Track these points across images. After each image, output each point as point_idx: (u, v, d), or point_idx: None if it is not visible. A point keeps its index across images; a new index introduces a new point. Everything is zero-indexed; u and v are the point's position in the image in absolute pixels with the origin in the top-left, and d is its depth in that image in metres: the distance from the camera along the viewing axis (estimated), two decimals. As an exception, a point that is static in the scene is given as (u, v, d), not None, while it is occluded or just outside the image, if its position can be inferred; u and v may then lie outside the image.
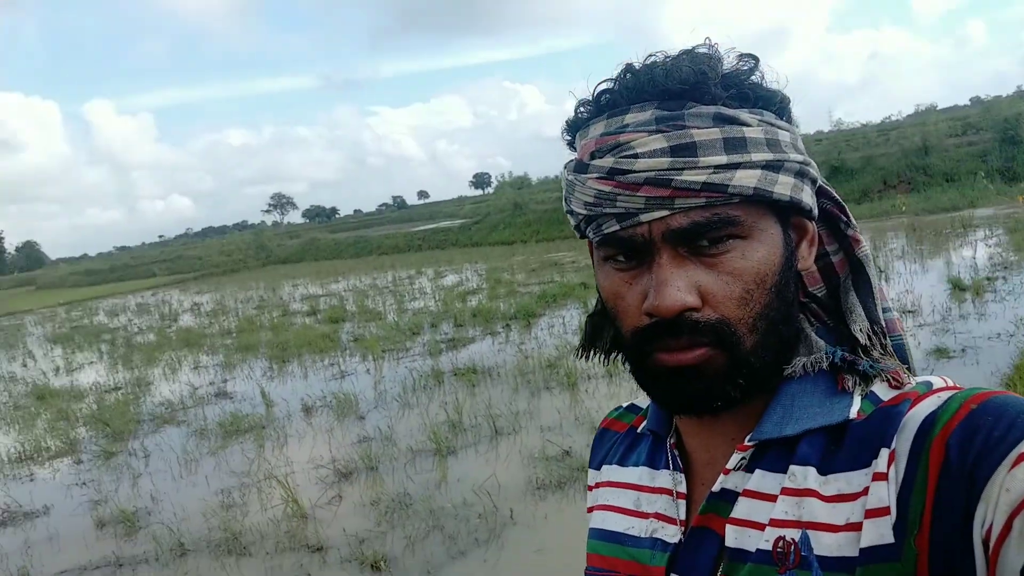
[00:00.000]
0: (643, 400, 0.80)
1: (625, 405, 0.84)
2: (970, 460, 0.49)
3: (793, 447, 0.60)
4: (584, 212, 0.61)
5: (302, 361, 10.49)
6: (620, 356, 0.71)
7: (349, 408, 7.50)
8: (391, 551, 4.35)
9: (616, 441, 0.80)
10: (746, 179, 0.57)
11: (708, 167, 0.56)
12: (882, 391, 0.60)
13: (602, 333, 0.74)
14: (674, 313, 0.57)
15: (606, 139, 0.59)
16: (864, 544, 0.53)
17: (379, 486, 5.37)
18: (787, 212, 0.62)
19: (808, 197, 0.63)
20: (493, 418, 6.40)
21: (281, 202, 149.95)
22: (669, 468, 0.69)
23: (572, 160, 0.64)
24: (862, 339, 0.64)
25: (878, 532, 0.52)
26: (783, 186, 0.59)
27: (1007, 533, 0.46)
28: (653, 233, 0.58)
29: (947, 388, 0.58)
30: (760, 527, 0.58)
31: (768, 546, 0.57)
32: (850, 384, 0.61)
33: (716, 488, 0.62)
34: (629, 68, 0.61)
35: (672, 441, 0.70)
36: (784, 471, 0.59)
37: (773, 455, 0.61)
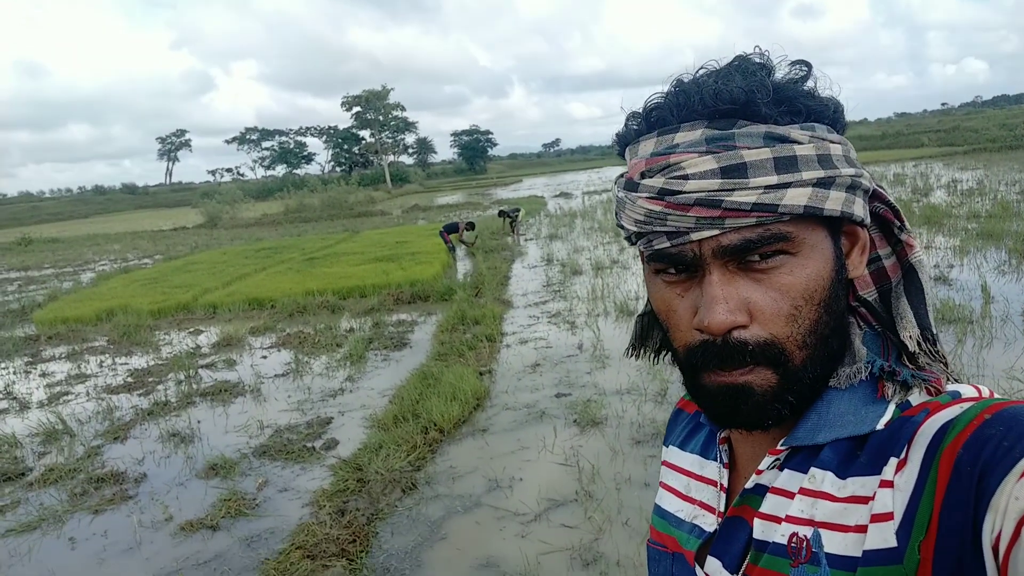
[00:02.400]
0: None
1: None
2: (979, 469, 0.50)
3: (818, 450, 0.62)
4: (634, 229, 0.63)
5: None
6: (669, 356, 0.72)
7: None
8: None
9: (684, 423, 0.83)
10: (797, 197, 0.57)
11: (759, 187, 0.56)
12: (916, 399, 0.60)
13: (651, 333, 0.78)
14: (723, 331, 0.58)
15: (656, 159, 0.59)
16: (868, 547, 0.55)
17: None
18: (838, 223, 0.62)
19: (860, 208, 0.62)
20: None
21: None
22: (717, 461, 0.73)
23: (622, 176, 0.65)
24: (911, 345, 0.63)
25: (882, 536, 0.54)
26: (834, 201, 0.59)
27: (1016, 540, 0.46)
28: (703, 250, 0.59)
29: (972, 399, 0.57)
30: (779, 521, 0.62)
31: (783, 540, 0.61)
32: (889, 392, 0.61)
33: (749, 485, 0.66)
34: (680, 83, 0.61)
35: (723, 435, 0.73)
36: (806, 472, 0.62)
37: (801, 457, 0.63)
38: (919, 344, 0.64)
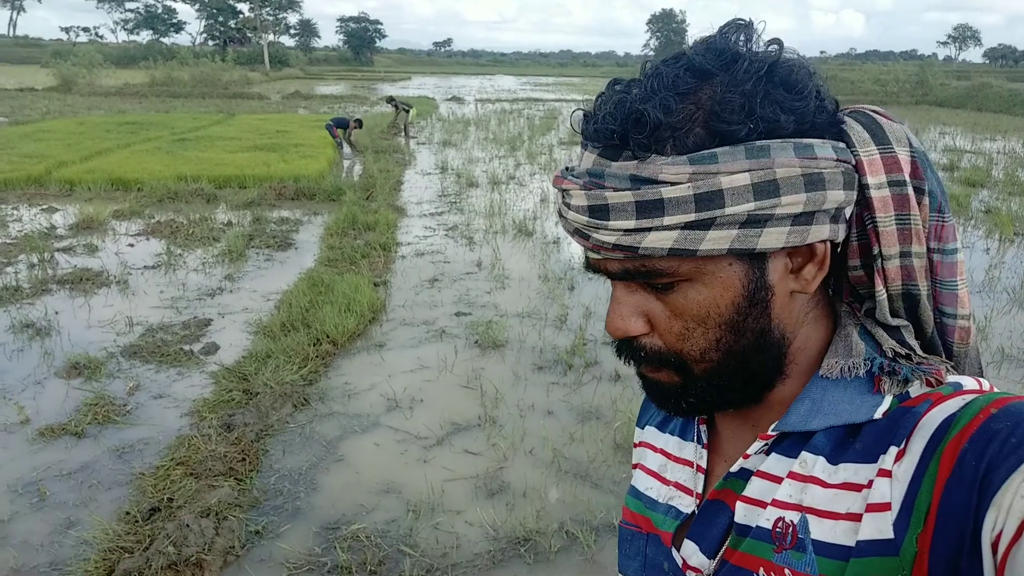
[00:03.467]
0: None
1: None
2: (984, 465, 0.48)
3: (809, 436, 0.61)
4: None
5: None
6: None
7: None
8: None
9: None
10: (659, 241, 0.56)
11: (617, 230, 0.57)
12: (915, 389, 0.59)
13: None
14: (618, 337, 0.63)
15: (560, 180, 0.62)
16: (862, 537, 0.54)
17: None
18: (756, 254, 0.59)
19: (780, 239, 0.57)
20: None
21: (963, 35, 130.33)
22: (695, 442, 0.72)
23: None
24: (917, 347, 0.62)
25: (876, 526, 0.53)
26: (716, 241, 0.56)
27: (1017, 539, 0.45)
28: (604, 267, 0.62)
29: (975, 391, 0.56)
30: (764, 505, 0.61)
31: (768, 524, 0.60)
32: (886, 387, 0.59)
33: (735, 469, 0.65)
34: (601, 98, 0.61)
35: (703, 417, 0.72)
36: (796, 456, 0.61)
37: (790, 442, 0.62)
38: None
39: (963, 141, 19.63)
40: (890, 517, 0.53)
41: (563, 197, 0.61)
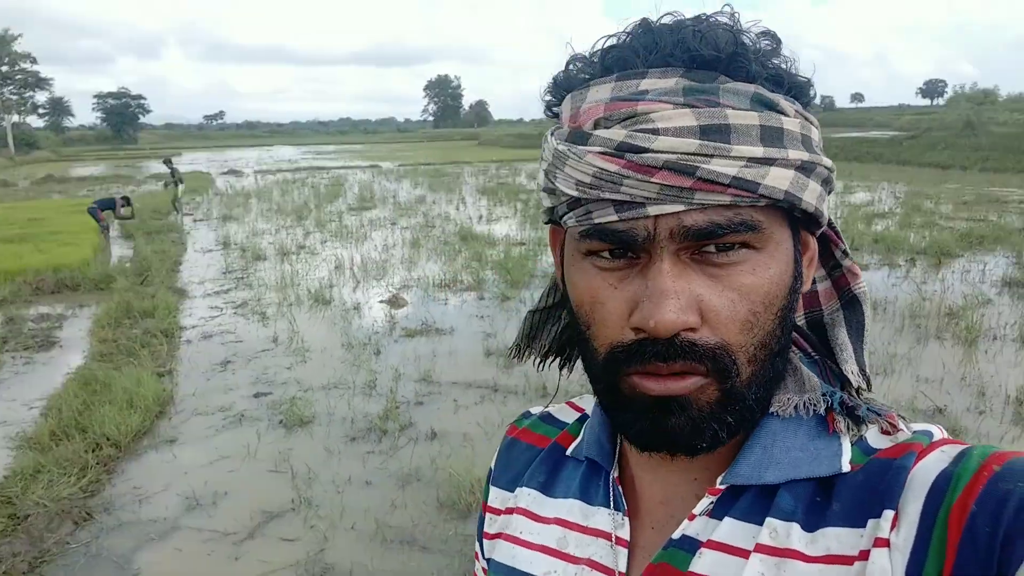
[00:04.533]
0: (564, 412, 0.70)
1: (537, 412, 0.71)
2: (1000, 534, 0.42)
3: (771, 495, 0.51)
4: (574, 193, 0.50)
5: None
6: (560, 361, 0.67)
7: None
8: None
9: (536, 459, 0.67)
10: (779, 180, 0.47)
11: (741, 158, 0.46)
12: (874, 438, 0.52)
13: (541, 332, 0.67)
14: (671, 333, 0.47)
15: (619, 104, 0.48)
16: None
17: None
18: (797, 224, 0.53)
19: (826, 210, 0.53)
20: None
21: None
22: (609, 507, 0.58)
23: (563, 127, 0.52)
24: (855, 381, 0.56)
25: None
26: (811, 194, 0.50)
27: None
28: (659, 229, 0.47)
29: (950, 441, 0.50)
30: None
31: None
32: (841, 427, 0.52)
33: (676, 536, 0.53)
34: (646, 24, 0.50)
35: (615, 475, 0.59)
36: (760, 523, 0.51)
37: (747, 502, 0.52)
38: (862, 378, 0.56)
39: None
40: None
41: (633, 125, 0.47)
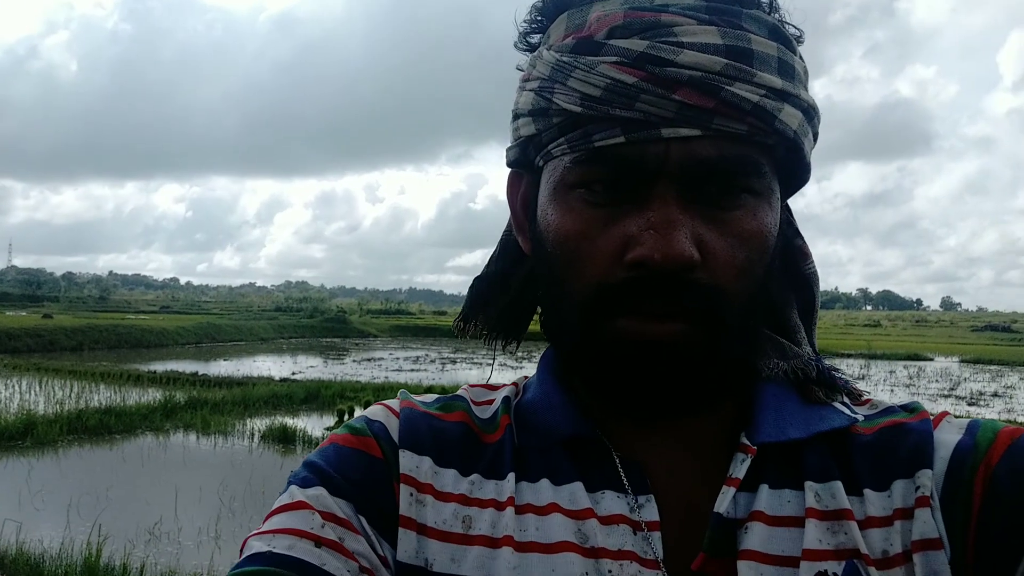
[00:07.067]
0: (480, 394, 0.59)
1: (434, 399, 0.59)
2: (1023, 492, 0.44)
3: (795, 458, 0.49)
4: (576, 110, 0.45)
5: None
6: (506, 335, 0.61)
7: None
8: None
9: (462, 439, 0.55)
10: (791, 118, 0.46)
11: (762, 86, 0.44)
12: (853, 405, 0.54)
13: (488, 300, 0.61)
14: (679, 265, 0.44)
15: (640, 14, 0.45)
16: None
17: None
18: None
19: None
20: None
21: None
22: (626, 490, 0.50)
23: (569, 37, 0.48)
24: (811, 359, 0.54)
25: (931, 568, 0.44)
26: (809, 144, 0.49)
27: None
28: (670, 157, 0.44)
29: (945, 413, 0.52)
30: (792, 562, 0.46)
31: None
32: (821, 395, 0.53)
33: (722, 509, 0.47)
34: None
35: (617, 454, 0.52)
36: (798, 487, 0.48)
37: (775, 467, 0.49)
38: (816, 361, 0.54)
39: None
40: (945, 557, 0.45)
41: (656, 36, 0.44)
